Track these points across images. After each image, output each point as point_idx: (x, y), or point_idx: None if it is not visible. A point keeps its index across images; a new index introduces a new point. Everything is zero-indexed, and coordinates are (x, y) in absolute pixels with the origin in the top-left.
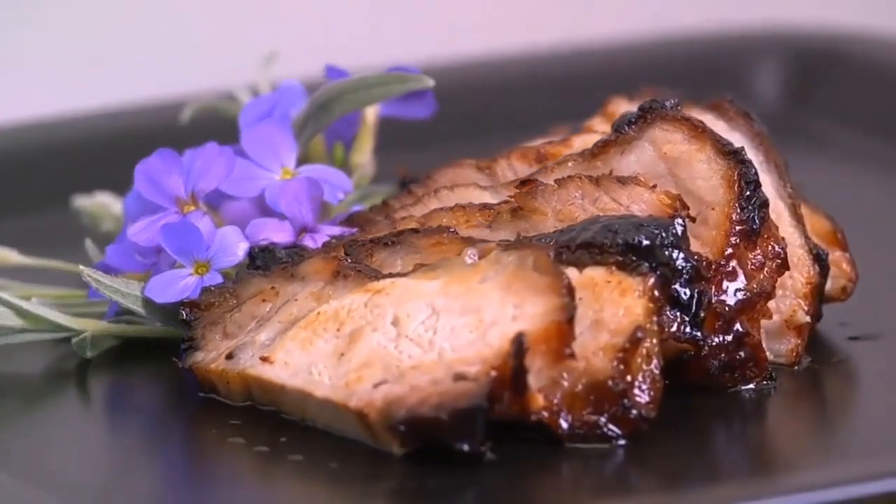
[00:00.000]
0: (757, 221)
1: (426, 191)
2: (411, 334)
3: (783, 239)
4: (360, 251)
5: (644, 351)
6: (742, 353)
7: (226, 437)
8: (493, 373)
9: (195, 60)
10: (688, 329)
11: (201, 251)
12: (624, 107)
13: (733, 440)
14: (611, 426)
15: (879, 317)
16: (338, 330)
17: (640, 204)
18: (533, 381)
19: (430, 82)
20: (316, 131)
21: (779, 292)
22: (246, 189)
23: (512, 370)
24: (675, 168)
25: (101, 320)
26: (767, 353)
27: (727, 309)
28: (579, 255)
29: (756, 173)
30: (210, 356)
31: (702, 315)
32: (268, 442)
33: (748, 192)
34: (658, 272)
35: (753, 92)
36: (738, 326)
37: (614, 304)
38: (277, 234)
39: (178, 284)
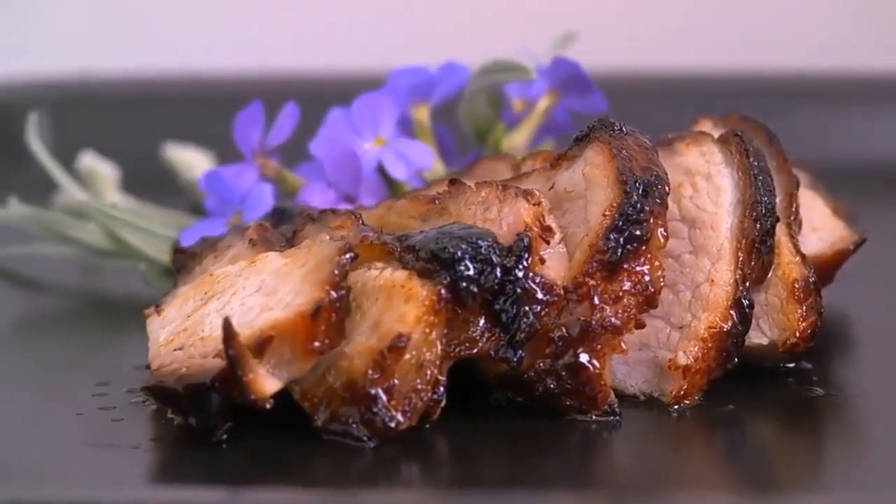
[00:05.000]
0: (619, 254)
1: (456, 176)
2: (228, 307)
3: (661, 278)
4: (297, 222)
5: (413, 360)
6: (576, 382)
7: (103, 382)
8: None
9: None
10: (503, 347)
11: (234, 202)
12: (708, 127)
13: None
14: (360, 427)
15: (863, 379)
16: (205, 293)
17: (510, 218)
18: (284, 371)
19: (533, 75)
20: (479, 106)
21: (684, 331)
22: (331, 151)
23: (225, 354)
24: (587, 189)
25: None
26: (634, 388)
27: (562, 335)
28: (410, 257)
29: (638, 209)
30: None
31: (520, 336)
32: (117, 391)
33: (619, 224)
34: (462, 285)
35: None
36: (581, 355)
37: (396, 310)
38: (317, 198)
39: (206, 232)
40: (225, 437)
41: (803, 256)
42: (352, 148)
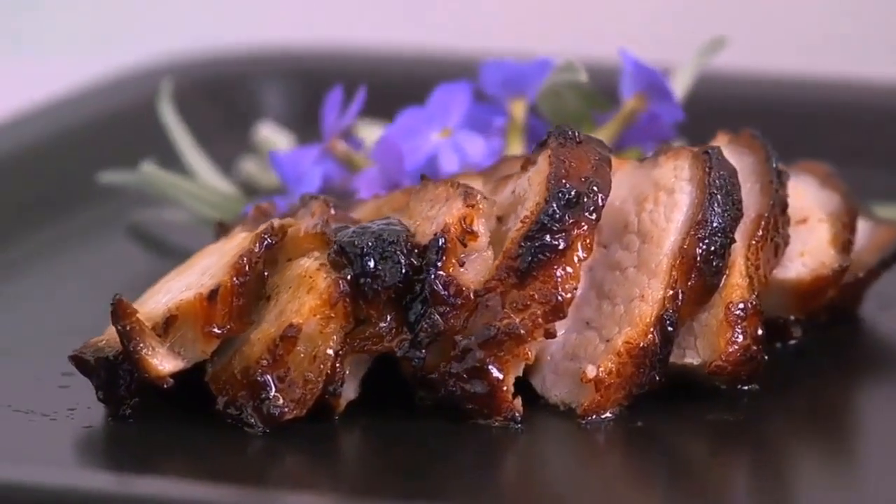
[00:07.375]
0: (528, 262)
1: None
2: (176, 284)
3: (572, 290)
4: (296, 208)
5: (307, 352)
6: (477, 387)
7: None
8: None
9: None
10: (406, 346)
11: (289, 180)
12: (723, 142)
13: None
14: (252, 413)
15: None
16: (181, 269)
17: (441, 217)
18: (189, 351)
19: (583, 77)
20: (566, 101)
21: (607, 344)
22: (404, 139)
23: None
24: (528, 196)
25: None
26: (557, 398)
27: (466, 339)
28: (331, 249)
29: (556, 218)
30: None
31: (422, 337)
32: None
33: (532, 233)
34: (363, 280)
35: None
36: (486, 361)
37: (298, 300)
38: (364, 184)
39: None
40: (129, 412)
41: (751, 280)
42: (393, 137)
